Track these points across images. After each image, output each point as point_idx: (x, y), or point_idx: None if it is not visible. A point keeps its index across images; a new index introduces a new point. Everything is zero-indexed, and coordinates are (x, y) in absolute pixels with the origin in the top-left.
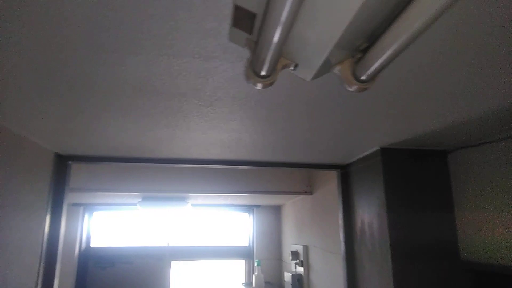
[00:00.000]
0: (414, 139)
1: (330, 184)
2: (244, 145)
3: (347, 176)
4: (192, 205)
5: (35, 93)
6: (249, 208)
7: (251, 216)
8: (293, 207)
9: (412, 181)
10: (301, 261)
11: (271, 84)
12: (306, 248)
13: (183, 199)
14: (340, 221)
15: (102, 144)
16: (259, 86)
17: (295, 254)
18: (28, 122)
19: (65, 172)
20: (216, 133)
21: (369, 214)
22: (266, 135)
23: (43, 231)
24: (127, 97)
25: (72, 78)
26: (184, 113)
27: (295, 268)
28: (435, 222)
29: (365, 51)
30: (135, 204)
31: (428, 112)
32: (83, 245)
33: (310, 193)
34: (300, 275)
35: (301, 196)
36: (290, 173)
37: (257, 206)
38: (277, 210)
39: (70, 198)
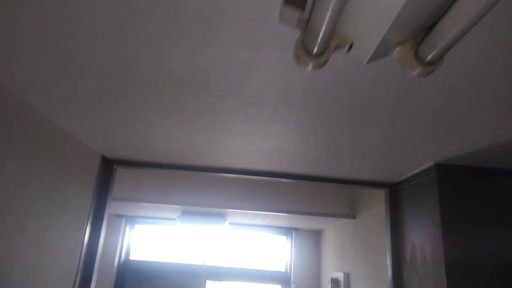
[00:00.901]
0: (476, 154)
1: (375, 208)
2: (286, 155)
3: (396, 195)
4: (230, 223)
5: (85, 89)
6: (288, 231)
7: (289, 239)
8: (334, 232)
9: (471, 202)
10: None
11: (323, 64)
12: (347, 276)
13: (221, 216)
14: (388, 245)
15: (147, 148)
16: (310, 66)
17: (335, 282)
18: (77, 120)
19: (110, 176)
20: (258, 138)
21: (422, 236)
22: (309, 144)
23: (83, 238)
24: (172, 91)
25: (120, 69)
26: (227, 113)
27: None
28: (496, 245)
29: (430, 28)
30: (174, 219)
31: (494, 122)
32: (123, 257)
33: (354, 217)
34: None
35: (343, 221)
36: (333, 195)
37: (296, 229)
38: (317, 235)
39: (113, 208)
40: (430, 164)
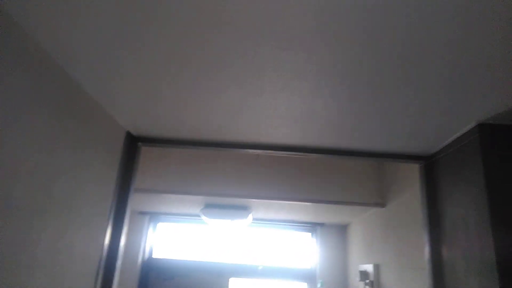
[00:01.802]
0: None
1: (405, 194)
2: (315, 120)
3: (431, 168)
4: (254, 219)
5: (114, 51)
6: (313, 227)
7: (314, 236)
8: (361, 225)
9: None
10: (371, 282)
11: None
12: (377, 267)
13: (245, 208)
14: (425, 221)
15: (172, 118)
16: None
17: (364, 274)
18: (105, 87)
19: (135, 154)
20: (287, 98)
21: (464, 208)
22: (341, 103)
23: (108, 222)
24: (203, 39)
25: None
26: (258, 63)
27: None
28: None
29: None
30: (198, 216)
31: None
32: (146, 255)
33: (383, 205)
34: None
35: (371, 212)
36: (361, 183)
37: (321, 224)
38: (342, 230)
39: (136, 205)
40: (471, 125)
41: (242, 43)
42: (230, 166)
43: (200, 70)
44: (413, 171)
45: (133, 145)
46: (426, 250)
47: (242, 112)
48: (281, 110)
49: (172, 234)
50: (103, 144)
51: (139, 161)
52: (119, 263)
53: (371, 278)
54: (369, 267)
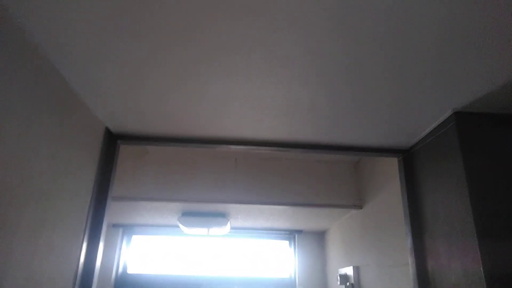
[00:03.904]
0: (497, 94)
1: (383, 194)
2: (300, 112)
3: (411, 160)
4: (232, 228)
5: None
6: (291, 234)
7: (292, 243)
8: (339, 230)
9: (498, 152)
10: (352, 284)
11: None
12: (357, 269)
13: (223, 216)
14: (406, 213)
15: (152, 114)
16: None
17: (344, 278)
18: (84, 74)
19: (114, 153)
20: (273, 86)
21: (445, 199)
22: (323, 93)
23: (87, 219)
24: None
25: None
26: (245, 47)
27: None
28: None
29: None
30: (174, 226)
31: None
32: (120, 270)
33: (360, 207)
34: None
35: (349, 215)
36: (338, 186)
37: (299, 231)
38: (321, 236)
39: (109, 216)
40: (447, 114)
41: (230, 25)
42: (208, 171)
43: (186, 59)
44: (389, 170)
45: (112, 143)
46: (408, 240)
47: (226, 104)
48: (266, 101)
49: (147, 248)
50: (81, 140)
51: (117, 162)
52: (95, 280)
53: (351, 280)
54: (349, 270)
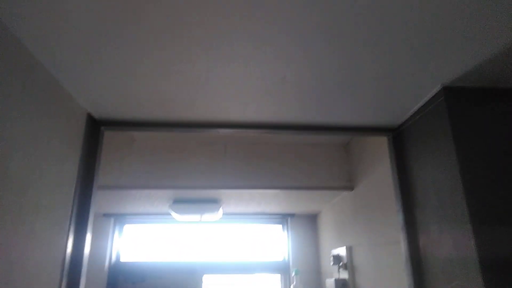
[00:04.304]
0: (485, 68)
1: (373, 174)
2: (287, 91)
3: (400, 139)
4: (224, 214)
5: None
6: (283, 218)
7: (285, 227)
8: (331, 211)
9: (487, 127)
10: (345, 264)
11: None
12: (349, 249)
13: (215, 202)
14: (396, 191)
15: (134, 97)
16: None
17: (337, 258)
18: (64, 60)
19: (98, 140)
20: (258, 64)
21: (435, 175)
22: (313, 68)
23: (71, 214)
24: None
25: None
26: (226, 26)
27: (338, 272)
28: None
29: None
30: (166, 214)
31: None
32: (113, 259)
33: (351, 188)
34: (344, 279)
35: (340, 197)
36: (329, 168)
37: (292, 215)
38: (313, 219)
39: (99, 206)
40: (436, 89)
41: (209, 2)
42: (198, 158)
43: (168, 40)
44: (379, 151)
45: (95, 129)
46: (400, 216)
47: (210, 85)
48: (251, 81)
49: (140, 236)
50: (61, 127)
51: (102, 149)
52: (84, 269)
53: (344, 260)
54: (341, 250)
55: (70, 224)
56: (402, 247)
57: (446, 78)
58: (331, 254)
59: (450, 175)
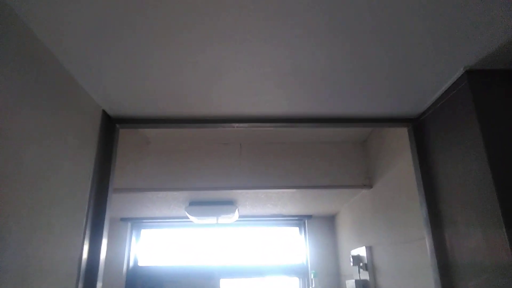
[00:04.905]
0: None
1: (392, 170)
2: (301, 81)
3: (421, 129)
4: (240, 216)
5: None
6: (300, 220)
7: (302, 230)
8: (349, 211)
9: None
10: (365, 264)
11: None
12: (369, 249)
13: (231, 203)
14: (419, 183)
15: (150, 91)
16: None
17: (356, 259)
18: (79, 55)
19: (113, 138)
20: (273, 51)
21: (460, 165)
22: (329, 57)
23: (86, 216)
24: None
25: None
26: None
27: (359, 273)
28: None
29: None
30: (182, 218)
31: None
32: (131, 264)
33: (370, 186)
34: (365, 280)
35: (358, 196)
36: (347, 167)
37: (309, 216)
38: (331, 220)
39: (116, 210)
40: (458, 73)
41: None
42: (213, 158)
43: (180, 23)
44: (397, 146)
45: (110, 127)
46: (423, 211)
47: (224, 75)
48: (264, 70)
49: (157, 240)
50: (76, 123)
51: (118, 152)
52: (101, 273)
53: (364, 261)
54: (361, 251)
55: (86, 223)
56: (426, 242)
57: (469, 61)
58: (351, 255)
59: (477, 165)
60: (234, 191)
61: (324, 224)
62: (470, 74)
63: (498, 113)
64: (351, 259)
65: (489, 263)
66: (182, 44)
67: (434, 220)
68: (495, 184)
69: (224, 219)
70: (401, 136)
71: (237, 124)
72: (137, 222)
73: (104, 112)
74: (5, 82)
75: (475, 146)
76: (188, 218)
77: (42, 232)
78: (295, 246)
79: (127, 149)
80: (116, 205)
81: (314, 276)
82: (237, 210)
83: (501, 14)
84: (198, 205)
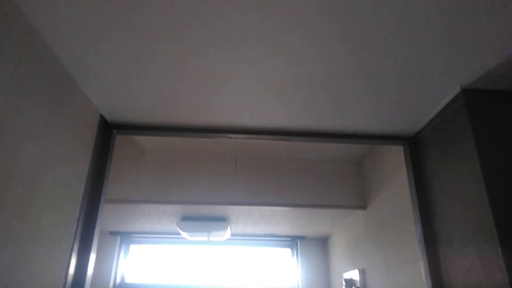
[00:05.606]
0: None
1: (386, 191)
2: (301, 92)
3: (417, 148)
4: (232, 235)
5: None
6: (293, 241)
7: (295, 251)
8: (343, 233)
9: (511, 132)
10: None
11: None
12: (362, 272)
13: (223, 220)
14: (414, 201)
15: (149, 96)
16: None
17: (349, 282)
18: (79, 55)
19: (109, 144)
20: (271, 61)
21: (455, 180)
22: (330, 67)
23: (78, 218)
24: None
25: None
26: (242, 9)
27: None
28: None
29: None
30: (173, 234)
31: None
32: (118, 280)
33: (364, 207)
34: None
35: (352, 218)
36: (340, 187)
37: (302, 237)
38: (324, 242)
39: (106, 223)
40: (455, 92)
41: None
42: (207, 172)
43: (179, 26)
44: (392, 167)
45: (107, 132)
46: (418, 230)
47: (223, 84)
48: (265, 80)
49: (146, 257)
50: (74, 125)
51: (113, 162)
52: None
53: (357, 284)
54: (354, 274)
55: (77, 228)
56: (421, 262)
57: (466, 80)
58: (343, 278)
59: (473, 183)
60: (227, 207)
61: (317, 246)
62: (467, 93)
63: (494, 133)
64: (344, 283)
65: (484, 282)
66: (181, 52)
67: (429, 240)
68: (491, 203)
69: (215, 236)
70: (396, 155)
71: (234, 135)
72: (127, 237)
73: (102, 116)
74: (6, 78)
75: (471, 165)
76: (179, 234)
77: (32, 232)
78: (287, 268)
79: (122, 159)
80: (107, 217)
81: None
82: (229, 227)
83: (498, 33)
84: (190, 220)
